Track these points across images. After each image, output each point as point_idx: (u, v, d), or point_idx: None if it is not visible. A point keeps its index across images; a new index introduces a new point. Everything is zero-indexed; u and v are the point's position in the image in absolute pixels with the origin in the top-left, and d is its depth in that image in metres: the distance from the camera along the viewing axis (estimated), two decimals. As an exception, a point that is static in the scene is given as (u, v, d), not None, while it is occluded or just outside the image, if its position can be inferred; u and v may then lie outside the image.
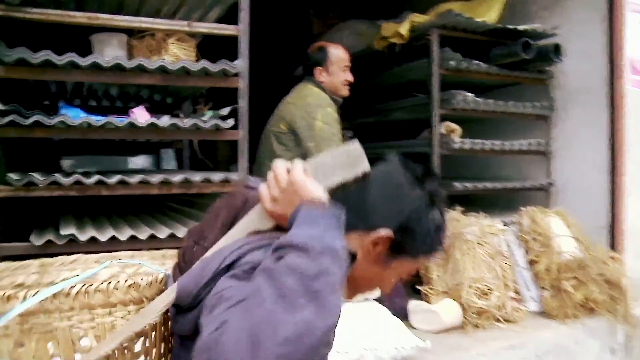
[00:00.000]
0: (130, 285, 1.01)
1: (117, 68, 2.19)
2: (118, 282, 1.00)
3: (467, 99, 3.47)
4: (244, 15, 2.40)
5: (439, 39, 3.44)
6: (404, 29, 3.64)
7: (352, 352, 2.27)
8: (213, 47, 2.51)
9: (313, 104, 2.71)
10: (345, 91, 2.88)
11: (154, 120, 2.28)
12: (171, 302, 0.97)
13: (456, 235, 3.10)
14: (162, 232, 2.30)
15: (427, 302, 2.95)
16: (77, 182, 2.12)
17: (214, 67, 2.30)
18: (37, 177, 2.07)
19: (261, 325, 0.74)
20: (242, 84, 2.42)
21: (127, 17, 2.23)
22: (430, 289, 3.01)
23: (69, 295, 0.96)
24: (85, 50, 2.25)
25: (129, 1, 2.38)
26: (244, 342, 0.73)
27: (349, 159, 1.05)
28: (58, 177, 2.09)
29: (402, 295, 2.95)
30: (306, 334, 0.75)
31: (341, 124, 2.82)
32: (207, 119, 2.33)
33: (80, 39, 2.39)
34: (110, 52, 2.31)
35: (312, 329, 0.75)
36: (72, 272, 1.24)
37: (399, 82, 4.17)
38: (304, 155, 2.66)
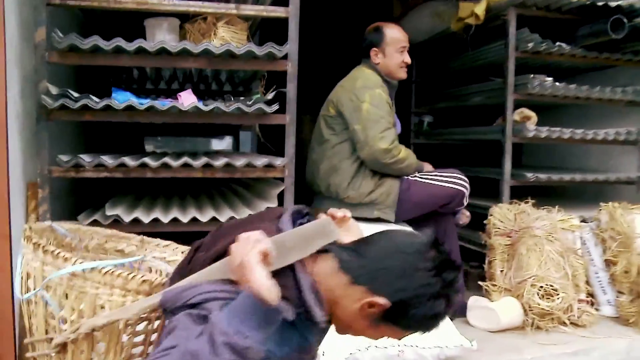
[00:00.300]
0: (144, 280, 1.24)
1: (164, 52, 2.22)
2: (135, 275, 1.24)
3: (544, 84, 3.21)
4: (296, -4, 2.34)
5: (517, 19, 3.20)
6: (479, 8, 3.42)
7: (391, 348, 2.18)
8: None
9: (361, 86, 2.61)
10: (401, 73, 2.75)
11: (197, 104, 2.29)
12: (154, 306, 1.14)
13: (524, 230, 2.89)
14: (223, 215, 2.33)
15: (488, 298, 2.78)
16: (122, 165, 2.19)
17: (259, 50, 2.27)
18: (84, 159, 2.16)
19: None
20: (291, 68, 2.37)
21: (175, 1, 2.25)
22: (492, 285, 2.84)
23: (100, 273, 1.25)
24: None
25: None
26: None
27: (317, 234, 1.11)
28: (104, 159, 2.16)
29: (462, 290, 2.80)
30: None
31: (392, 106, 2.71)
32: (251, 103, 2.31)
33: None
34: (159, 36, 2.34)
35: None
36: (160, 252, 1.68)
37: (475, 65, 3.95)
38: (351, 140, 2.58)
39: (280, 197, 2.43)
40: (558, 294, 2.63)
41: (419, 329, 1.16)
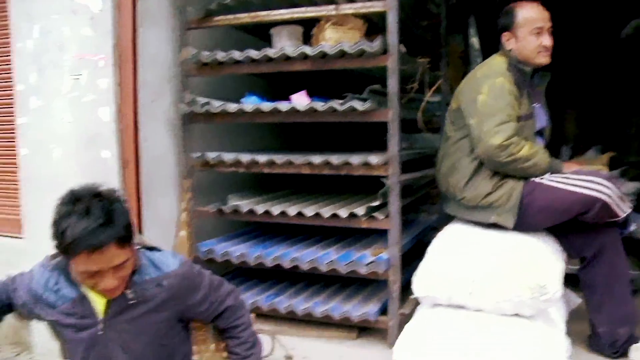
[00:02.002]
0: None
1: (283, 58, 2.44)
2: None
3: None
4: (392, -11, 2.25)
5: None
6: None
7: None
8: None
9: (481, 76, 2.28)
10: (540, 58, 2.29)
11: (311, 104, 2.42)
12: None
13: None
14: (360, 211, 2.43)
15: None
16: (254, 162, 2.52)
17: (351, 48, 2.27)
18: (226, 155, 2.56)
19: None
20: (392, 62, 2.28)
21: (280, 10, 2.44)
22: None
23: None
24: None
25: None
26: None
27: None
28: (241, 155, 2.50)
29: (631, 322, 2.22)
30: None
31: (528, 96, 2.30)
32: (344, 102, 2.32)
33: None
34: (279, 43, 2.55)
35: None
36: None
37: None
38: (469, 135, 2.30)
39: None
40: None
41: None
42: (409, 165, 2.80)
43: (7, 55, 2.73)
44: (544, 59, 2.32)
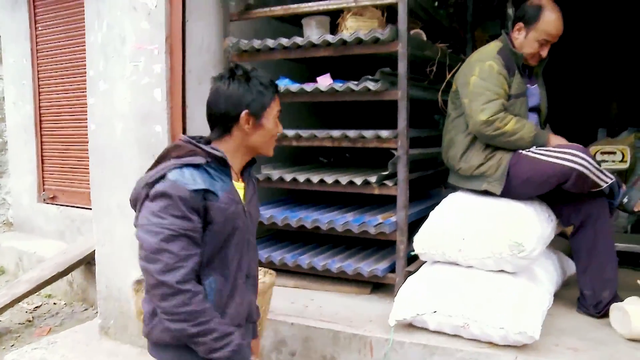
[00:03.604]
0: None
1: (310, 46, 2.79)
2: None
3: None
4: (402, -19, 2.54)
5: None
6: None
7: (456, 318, 2.21)
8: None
9: (475, 59, 2.53)
10: (532, 62, 2.56)
11: (334, 84, 2.76)
12: None
13: None
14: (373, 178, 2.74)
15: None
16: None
17: (365, 36, 2.59)
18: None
19: None
20: (401, 48, 2.58)
21: (309, 3, 2.81)
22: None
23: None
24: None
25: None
26: None
27: None
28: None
29: (611, 287, 2.43)
30: None
31: (521, 76, 2.51)
32: (358, 82, 2.64)
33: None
34: (309, 32, 2.90)
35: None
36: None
37: None
38: (464, 113, 2.55)
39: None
40: None
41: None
42: (426, 142, 3.09)
43: (83, 46, 3.25)
44: (533, 62, 2.58)
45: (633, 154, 3.70)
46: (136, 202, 1.49)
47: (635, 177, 4.05)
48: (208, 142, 1.57)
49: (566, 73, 5.46)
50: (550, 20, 2.47)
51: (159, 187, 1.41)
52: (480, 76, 2.45)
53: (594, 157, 2.38)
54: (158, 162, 1.51)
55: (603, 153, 3.62)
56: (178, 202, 1.39)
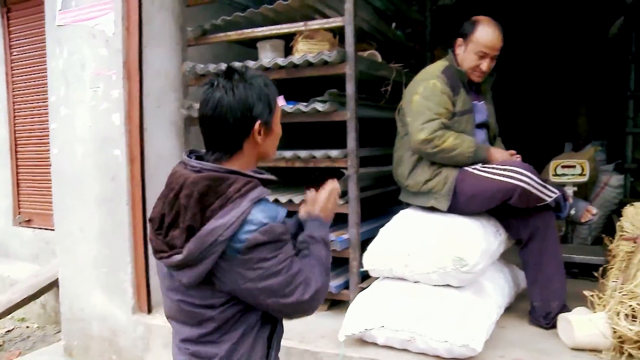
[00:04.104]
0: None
1: (262, 69, 2.85)
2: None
3: None
4: (349, 6, 2.61)
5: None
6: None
7: (402, 333, 2.25)
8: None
9: (419, 79, 2.59)
10: (473, 77, 2.60)
11: (282, 106, 2.82)
12: None
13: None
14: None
15: (593, 311, 2.39)
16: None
17: (314, 59, 2.66)
18: None
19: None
20: (349, 69, 2.65)
21: (262, 28, 2.88)
22: (599, 296, 2.41)
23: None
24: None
25: (282, 15, 2.92)
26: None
27: None
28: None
29: (559, 297, 2.48)
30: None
31: (465, 93, 2.56)
32: (307, 104, 2.71)
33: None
34: (263, 55, 2.98)
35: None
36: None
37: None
38: (408, 133, 2.60)
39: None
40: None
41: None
42: (384, 160, 3.16)
43: (44, 72, 3.32)
44: (476, 78, 2.62)
45: (593, 167, 3.78)
46: (202, 259, 1.24)
47: (597, 189, 4.13)
48: (218, 159, 1.36)
49: (535, 88, 5.57)
50: (485, 32, 2.55)
51: (252, 239, 1.22)
52: (423, 95, 2.51)
53: (537, 173, 2.45)
54: (205, 203, 1.25)
55: (563, 167, 3.68)
56: (277, 239, 1.26)
